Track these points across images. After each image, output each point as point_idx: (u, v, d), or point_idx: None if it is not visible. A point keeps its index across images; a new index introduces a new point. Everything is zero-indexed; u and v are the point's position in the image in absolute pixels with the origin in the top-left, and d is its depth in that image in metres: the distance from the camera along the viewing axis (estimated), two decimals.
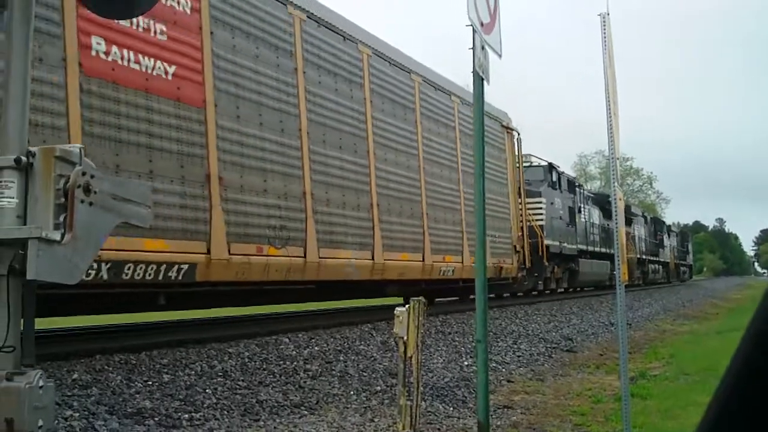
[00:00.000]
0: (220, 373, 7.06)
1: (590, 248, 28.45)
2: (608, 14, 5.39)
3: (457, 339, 10.93)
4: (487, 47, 3.79)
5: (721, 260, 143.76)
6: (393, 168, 13.20)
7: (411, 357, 4.62)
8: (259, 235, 9.47)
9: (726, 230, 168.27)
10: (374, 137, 12.58)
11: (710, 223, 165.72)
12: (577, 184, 28.90)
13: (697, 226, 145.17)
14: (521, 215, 19.72)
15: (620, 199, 5.11)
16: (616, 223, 4.97)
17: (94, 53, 7.37)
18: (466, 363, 8.88)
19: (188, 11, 8.63)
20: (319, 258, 10.58)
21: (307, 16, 10.96)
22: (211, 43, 8.96)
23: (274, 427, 5.43)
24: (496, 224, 17.80)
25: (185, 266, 8.29)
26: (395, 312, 4.65)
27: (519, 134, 19.63)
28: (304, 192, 10.42)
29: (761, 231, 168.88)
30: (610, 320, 15.93)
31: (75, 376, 6.25)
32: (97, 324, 11.97)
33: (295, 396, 6.46)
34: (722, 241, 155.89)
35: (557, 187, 24.98)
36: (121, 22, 7.49)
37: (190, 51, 8.61)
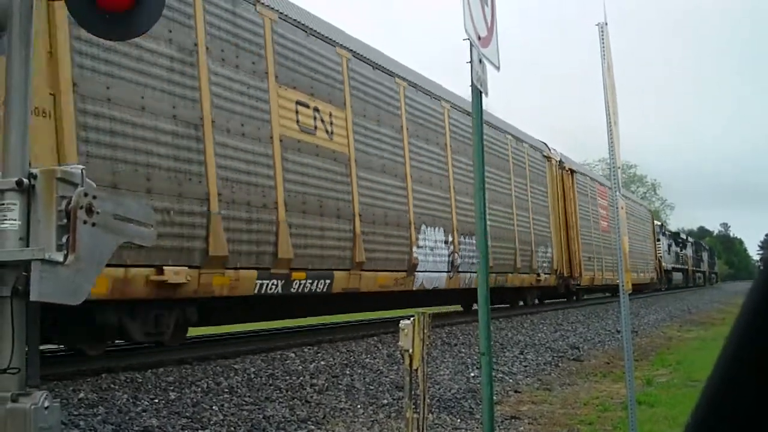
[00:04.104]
0: (227, 390, 7.06)
1: (674, 265, 54.09)
2: (606, 24, 5.40)
3: (463, 350, 10.91)
4: (485, 60, 3.80)
5: (727, 265, 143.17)
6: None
7: (417, 369, 4.61)
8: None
9: (731, 235, 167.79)
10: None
11: (715, 228, 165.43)
12: (667, 231, 55.14)
13: (702, 232, 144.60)
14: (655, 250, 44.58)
15: (621, 208, 5.10)
16: (619, 233, 4.97)
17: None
18: (472, 374, 8.86)
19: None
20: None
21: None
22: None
23: None
24: (648, 257, 40.67)
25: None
26: (400, 325, 4.63)
27: (652, 212, 45.19)
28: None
29: (766, 235, 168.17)
30: (617, 328, 15.86)
31: (81, 395, 6.25)
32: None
33: (302, 411, 6.45)
34: (727, 246, 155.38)
35: (664, 234, 50.02)
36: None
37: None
